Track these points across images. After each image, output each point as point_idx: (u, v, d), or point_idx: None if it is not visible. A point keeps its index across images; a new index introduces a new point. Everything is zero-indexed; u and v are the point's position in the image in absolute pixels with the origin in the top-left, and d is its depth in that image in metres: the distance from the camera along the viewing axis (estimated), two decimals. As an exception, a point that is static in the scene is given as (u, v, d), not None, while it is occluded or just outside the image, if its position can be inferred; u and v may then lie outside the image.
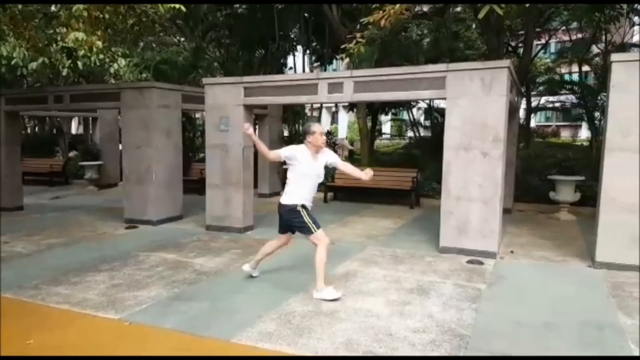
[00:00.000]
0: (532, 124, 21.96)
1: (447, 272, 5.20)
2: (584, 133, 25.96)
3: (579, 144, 18.44)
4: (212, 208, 7.32)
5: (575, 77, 16.20)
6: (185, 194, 8.70)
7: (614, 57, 5.41)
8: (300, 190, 4.40)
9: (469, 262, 5.61)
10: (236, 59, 13.16)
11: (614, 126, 5.26)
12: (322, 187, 10.81)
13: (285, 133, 14.14)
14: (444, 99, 6.09)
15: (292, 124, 14.22)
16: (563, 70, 18.24)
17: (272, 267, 5.35)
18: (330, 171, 11.24)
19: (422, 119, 18.58)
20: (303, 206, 4.40)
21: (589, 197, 8.11)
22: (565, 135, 27.89)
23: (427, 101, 14.38)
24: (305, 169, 4.36)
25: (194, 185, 10.29)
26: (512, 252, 6.12)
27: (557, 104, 16.78)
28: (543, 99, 17.82)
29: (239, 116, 6.99)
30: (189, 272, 5.16)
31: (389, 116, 19.04)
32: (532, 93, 15.96)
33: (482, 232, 5.84)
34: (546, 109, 19.00)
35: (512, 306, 4.21)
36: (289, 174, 4.46)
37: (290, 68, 15.06)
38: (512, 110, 8.03)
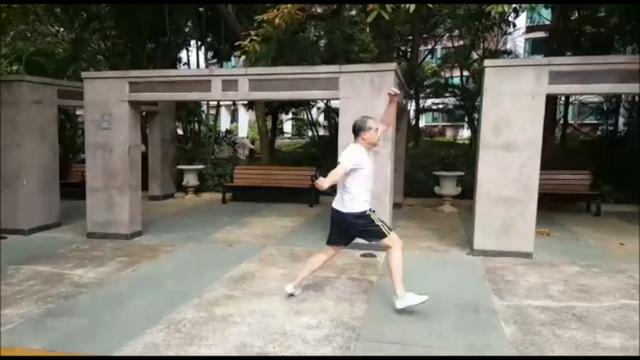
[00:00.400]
0: (421, 124, 23.54)
1: (342, 266, 5.33)
2: (467, 132, 28.44)
3: (461, 142, 20.15)
4: (94, 213, 6.72)
5: (458, 80, 17.65)
6: (65, 199, 7.92)
7: (487, 62, 5.95)
8: (365, 193, 3.99)
9: (363, 255, 5.81)
10: (123, 52, 12.28)
11: (486, 126, 5.77)
12: (221, 187, 10.60)
13: (179, 132, 13.54)
14: (338, 99, 6.23)
15: (186, 121, 13.67)
16: (448, 75, 19.79)
17: (163, 275, 5.05)
18: (229, 171, 11.04)
19: (322, 118, 18.98)
20: (372, 210, 4.04)
21: (469, 191, 8.84)
22: (450, 134, 30.31)
23: (325, 101, 14.71)
24: (368, 171, 3.96)
25: (75, 189, 9.38)
26: (401, 244, 6.44)
27: (441, 106, 18.17)
28: (430, 101, 19.18)
29: (123, 113, 6.50)
30: (66, 285, 4.67)
31: (290, 115, 19.18)
32: (421, 95, 17.08)
33: (374, 227, 6.06)
34: (432, 110, 20.48)
35: (401, 296, 4.42)
36: (349, 179, 3.92)
37: (185, 64, 14.44)
38: (401, 111, 8.48)
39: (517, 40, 19.00)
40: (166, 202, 10.28)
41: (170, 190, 10.92)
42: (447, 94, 16.98)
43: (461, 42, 16.56)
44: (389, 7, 5.58)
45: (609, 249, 6.22)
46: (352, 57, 13.28)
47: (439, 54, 22.57)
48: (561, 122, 14.38)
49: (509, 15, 10.42)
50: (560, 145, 12.96)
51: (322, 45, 13.91)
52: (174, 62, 13.24)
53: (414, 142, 16.11)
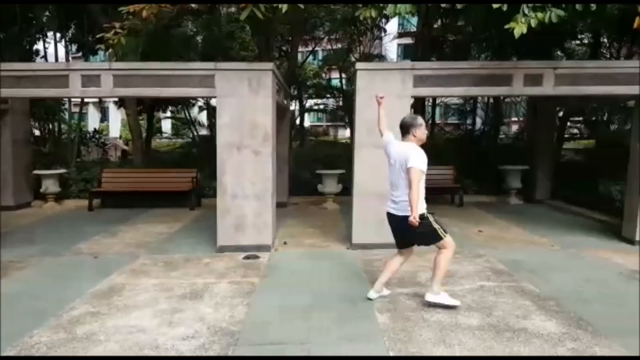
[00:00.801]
0: (306, 124, 23.99)
1: (223, 271, 5.16)
2: (348, 132, 29.63)
3: (343, 141, 20.93)
4: None
5: (338, 82, 18.29)
6: None
7: (358, 65, 6.22)
8: (422, 194, 3.83)
9: (246, 257, 5.69)
10: (-38, 42, 10.58)
11: (360, 125, 6.03)
12: (86, 193, 9.61)
13: (36, 132, 12.02)
14: (215, 97, 6.03)
15: (44, 120, 12.17)
16: (329, 76, 20.39)
17: (13, 295, 4.41)
18: (96, 175, 10.05)
19: (204, 117, 18.28)
20: (430, 212, 3.87)
21: (349, 188, 9.19)
22: (332, 133, 31.34)
23: (206, 99, 14.22)
24: (425, 169, 3.78)
25: None
26: (285, 243, 6.46)
27: (323, 106, 18.70)
28: (313, 101, 19.60)
29: (-42, 111, 5.58)
30: None
31: (168, 114, 18.20)
32: (305, 95, 17.37)
33: (257, 228, 6.00)
34: (315, 111, 20.98)
35: (282, 294, 4.41)
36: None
37: (43, 57, 12.87)
38: (282, 111, 8.52)
39: (389, 45, 20.25)
40: (21, 212, 9.03)
41: (27, 198, 9.62)
42: (328, 95, 17.50)
43: (339, 45, 17.15)
44: (262, 6, 5.52)
45: (470, 236, 6.91)
46: (234, 55, 12.99)
47: (320, 55, 23.18)
48: (429, 122, 15.67)
49: (379, 21, 11.03)
50: (429, 144, 14.11)
51: (199, 41, 13.40)
52: (28, 55, 11.71)
53: (300, 142, 16.32)
